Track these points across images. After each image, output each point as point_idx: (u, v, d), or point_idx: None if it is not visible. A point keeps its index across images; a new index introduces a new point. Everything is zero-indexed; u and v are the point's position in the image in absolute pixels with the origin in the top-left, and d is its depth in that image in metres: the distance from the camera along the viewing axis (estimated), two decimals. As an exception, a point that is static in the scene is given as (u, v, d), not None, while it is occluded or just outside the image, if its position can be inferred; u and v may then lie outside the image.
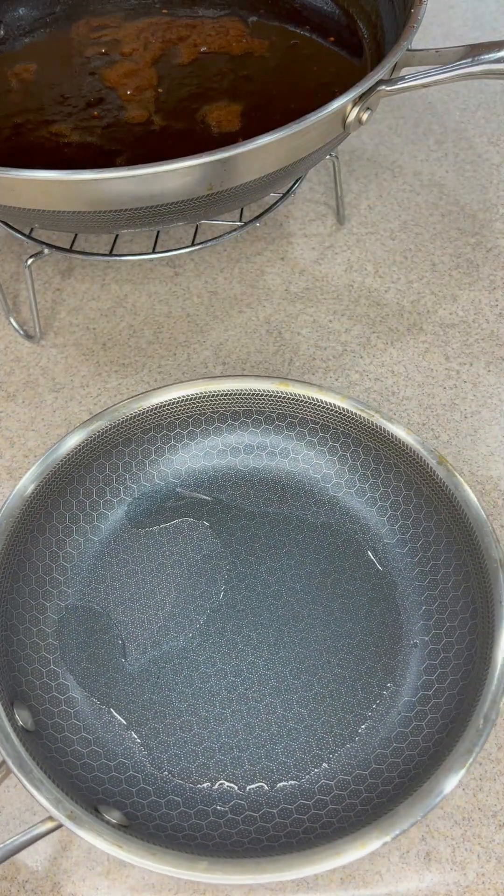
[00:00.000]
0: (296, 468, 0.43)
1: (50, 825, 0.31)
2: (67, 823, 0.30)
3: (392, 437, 0.40)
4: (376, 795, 0.33)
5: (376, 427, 0.41)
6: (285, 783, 0.35)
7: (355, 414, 0.41)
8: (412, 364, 0.52)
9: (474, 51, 0.42)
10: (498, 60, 0.42)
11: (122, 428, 0.42)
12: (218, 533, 0.42)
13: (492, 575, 0.35)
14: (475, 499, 0.37)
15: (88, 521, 0.42)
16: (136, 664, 0.38)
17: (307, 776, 0.35)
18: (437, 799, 0.30)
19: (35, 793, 0.31)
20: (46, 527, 0.40)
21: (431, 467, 0.39)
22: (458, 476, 0.38)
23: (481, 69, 0.42)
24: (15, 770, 0.31)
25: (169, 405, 0.42)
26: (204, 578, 0.41)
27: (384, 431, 0.40)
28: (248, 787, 0.35)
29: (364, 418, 0.41)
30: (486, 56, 0.42)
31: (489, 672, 0.33)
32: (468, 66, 0.42)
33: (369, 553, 0.41)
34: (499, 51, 0.42)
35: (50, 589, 0.39)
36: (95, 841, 0.30)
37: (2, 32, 0.55)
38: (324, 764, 0.35)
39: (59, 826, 0.31)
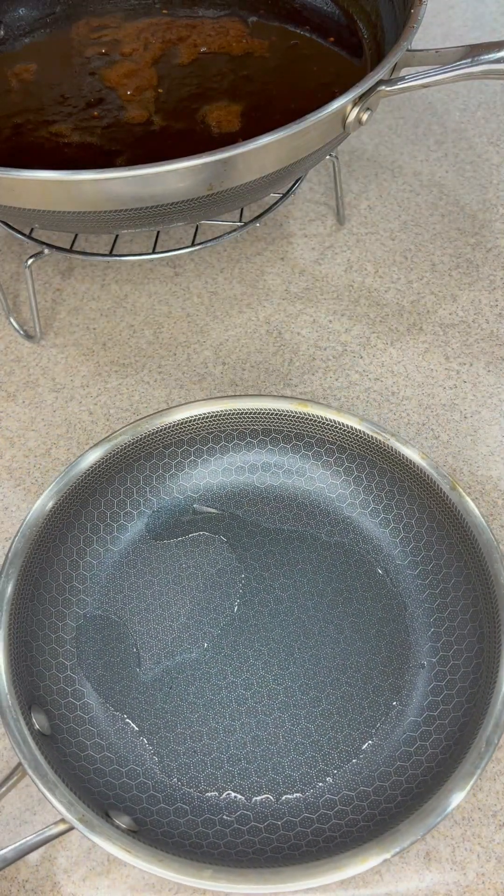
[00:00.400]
0: (312, 487, 0.44)
1: (62, 827, 0.31)
2: (79, 826, 0.30)
3: (407, 460, 0.41)
4: (379, 812, 0.34)
5: (391, 450, 0.41)
6: (290, 796, 0.35)
7: (371, 437, 0.42)
8: (412, 364, 0.52)
9: (474, 51, 0.42)
10: (498, 61, 0.42)
11: (143, 443, 0.42)
12: (233, 548, 0.42)
13: (499, 601, 0.36)
14: (486, 524, 0.38)
15: (108, 532, 0.42)
16: (150, 673, 0.38)
17: (312, 790, 0.35)
18: (438, 819, 0.31)
19: (49, 795, 0.31)
20: (68, 536, 0.41)
21: (444, 492, 0.39)
22: (470, 502, 0.39)
23: (481, 69, 0.42)
24: (30, 772, 0.32)
25: (190, 422, 0.43)
26: (218, 592, 0.41)
27: (399, 455, 0.41)
28: (254, 799, 0.35)
29: (380, 441, 0.41)
30: (486, 56, 0.42)
31: (493, 696, 0.34)
32: (468, 67, 0.42)
33: (381, 573, 0.41)
34: (498, 51, 0.42)
35: (69, 597, 0.40)
36: (105, 845, 0.30)
37: (2, 32, 0.55)
38: (329, 779, 0.36)
39: (71, 829, 0.31)
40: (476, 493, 0.46)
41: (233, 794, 0.35)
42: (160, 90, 0.51)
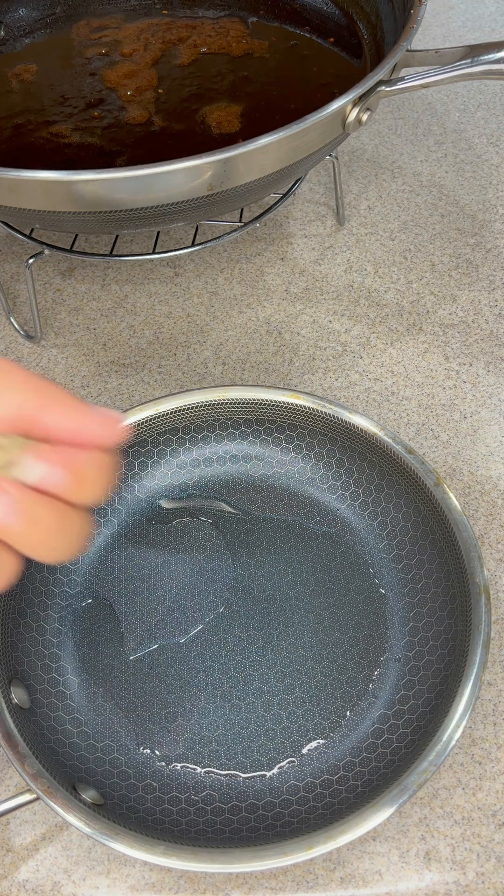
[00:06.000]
0: (303, 477, 0.45)
1: (28, 797, 0.33)
2: (43, 797, 0.32)
3: (395, 455, 0.41)
4: (337, 802, 0.34)
5: (381, 443, 0.42)
6: (256, 779, 0.36)
7: (362, 429, 0.42)
8: (412, 364, 0.52)
9: (474, 51, 0.42)
10: (497, 61, 0.42)
11: (139, 429, 0.43)
12: (223, 534, 0.43)
13: (473, 599, 0.36)
14: (467, 522, 0.38)
15: (102, 515, 0.43)
16: (132, 654, 0.40)
17: (278, 775, 0.36)
18: (386, 815, 0.31)
19: (17, 765, 0.32)
20: None
21: (429, 488, 0.40)
22: (453, 498, 0.39)
23: (481, 70, 0.42)
24: (2, 742, 0.33)
25: (186, 410, 0.44)
26: (204, 578, 0.42)
27: (388, 449, 0.41)
28: (221, 780, 0.36)
29: (370, 434, 0.42)
30: (486, 57, 0.42)
31: (458, 691, 0.34)
32: (467, 67, 0.42)
33: (365, 565, 0.42)
34: (498, 51, 0.42)
35: (60, 577, 0.41)
36: (67, 816, 0.32)
37: (2, 33, 0.55)
38: (295, 765, 0.36)
39: (36, 799, 0.32)
40: (476, 493, 0.46)
41: (201, 775, 0.36)
42: (160, 91, 0.51)
